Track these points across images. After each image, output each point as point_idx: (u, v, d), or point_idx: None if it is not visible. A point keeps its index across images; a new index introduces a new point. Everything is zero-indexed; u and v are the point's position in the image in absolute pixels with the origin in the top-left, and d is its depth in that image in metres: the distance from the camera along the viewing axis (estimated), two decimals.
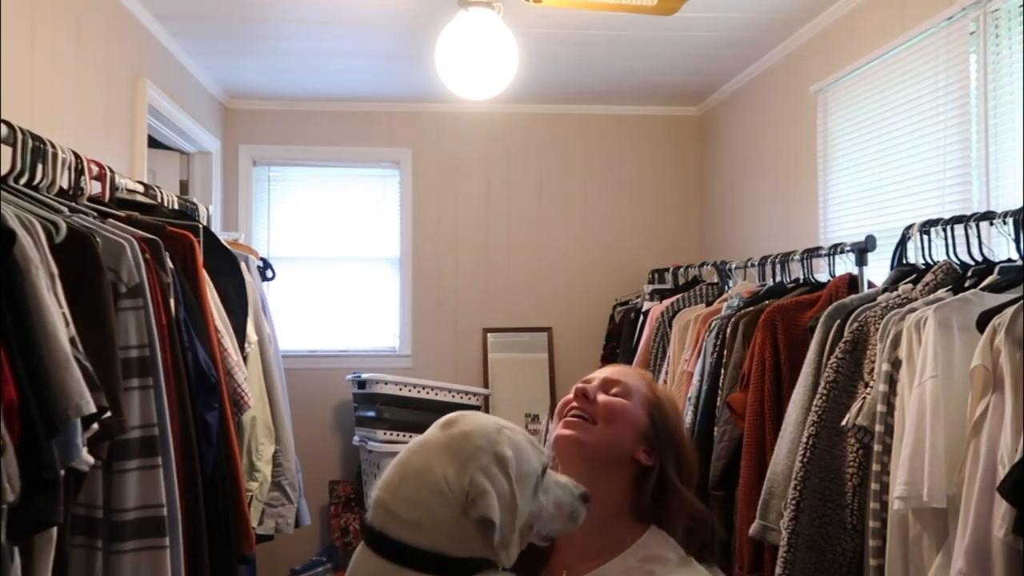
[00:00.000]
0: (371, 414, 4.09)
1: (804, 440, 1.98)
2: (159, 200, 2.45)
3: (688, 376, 2.96)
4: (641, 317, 3.82)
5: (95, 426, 1.38)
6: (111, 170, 2.14)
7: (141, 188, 2.37)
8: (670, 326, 3.36)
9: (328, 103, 4.62)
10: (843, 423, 1.91)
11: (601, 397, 1.40)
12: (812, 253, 2.80)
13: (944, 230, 2.10)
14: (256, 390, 2.64)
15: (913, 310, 1.82)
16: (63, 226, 1.53)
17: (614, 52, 3.80)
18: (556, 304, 4.76)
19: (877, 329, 1.93)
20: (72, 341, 1.39)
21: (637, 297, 4.22)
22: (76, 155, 1.94)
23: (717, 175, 4.63)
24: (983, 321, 1.58)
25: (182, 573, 1.71)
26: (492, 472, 1.13)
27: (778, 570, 1.95)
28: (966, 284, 1.92)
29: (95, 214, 1.81)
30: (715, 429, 2.64)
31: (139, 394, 1.64)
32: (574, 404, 1.41)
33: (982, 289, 1.81)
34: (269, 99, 4.56)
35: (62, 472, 1.30)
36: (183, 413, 1.82)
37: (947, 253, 2.07)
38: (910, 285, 2.06)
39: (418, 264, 4.71)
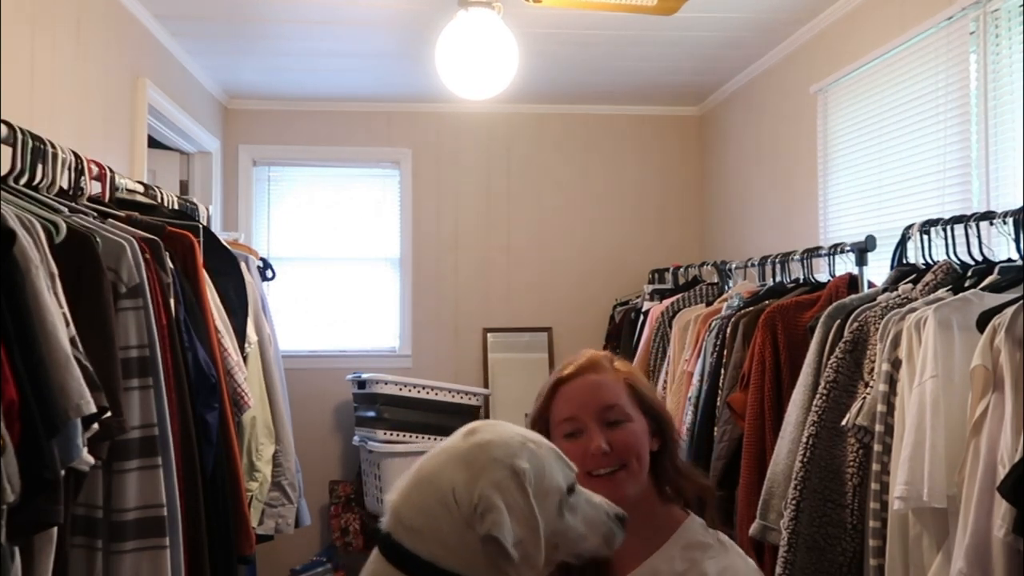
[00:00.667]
0: (371, 414, 4.09)
1: (804, 440, 1.98)
2: (159, 200, 2.45)
3: (688, 376, 2.96)
4: (641, 317, 3.82)
5: (95, 426, 1.38)
6: (111, 170, 2.14)
7: (141, 188, 2.37)
8: (670, 326, 3.36)
9: (328, 103, 4.62)
10: (843, 423, 1.92)
11: (616, 437, 1.36)
12: (812, 253, 2.80)
13: (944, 230, 2.10)
14: (256, 390, 2.64)
15: (913, 310, 1.82)
16: (63, 226, 1.53)
17: (614, 52, 3.80)
18: (556, 304, 4.76)
19: (877, 329, 1.93)
20: (72, 341, 1.39)
21: (637, 297, 4.22)
22: (76, 155, 1.94)
23: (717, 175, 4.63)
24: (983, 321, 1.58)
25: (182, 573, 1.71)
26: (505, 486, 1.07)
27: (778, 570, 1.95)
28: (966, 284, 1.92)
29: (95, 214, 1.81)
30: (715, 429, 2.64)
31: (139, 394, 1.64)
32: (601, 462, 1.36)
33: (982, 289, 1.81)
34: (269, 99, 4.56)
35: (62, 472, 1.30)
36: (183, 413, 1.82)
37: (947, 253, 2.07)
38: (910, 285, 2.06)
39: (418, 264, 4.71)
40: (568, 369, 1.44)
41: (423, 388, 4.14)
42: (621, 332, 4.16)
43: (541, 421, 1.43)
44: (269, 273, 3.40)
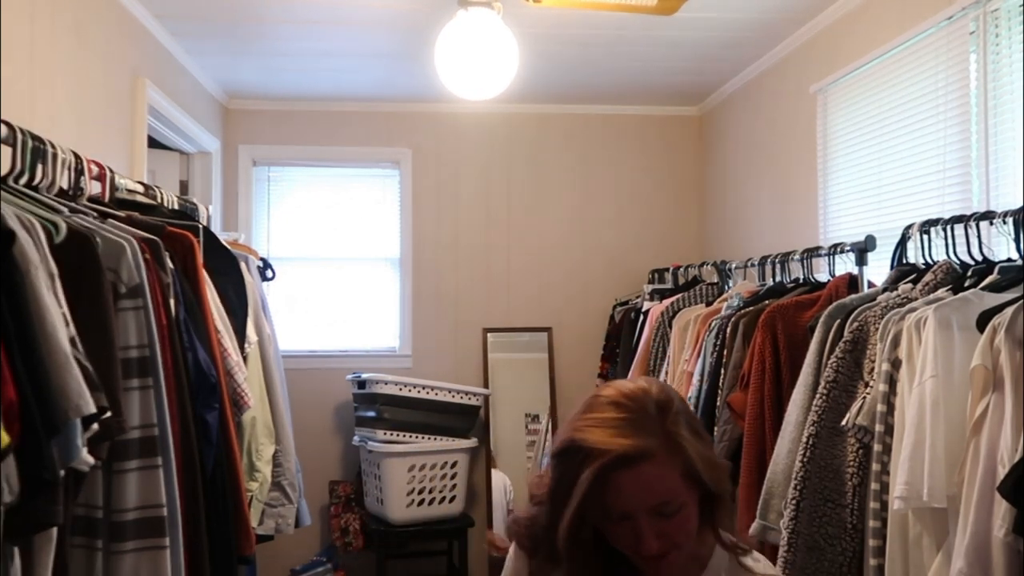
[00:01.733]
0: (371, 414, 4.09)
1: (804, 440, 1.98)
2: (159, 200, 2.45)
3: (688, 376, 2.97)
4: (641, 317, 3.82)
5: (95, 426, 1.38)
6: (111, 170, 2.14)
7: (141, 188, 2.37)
8: (670, 326, 3.36)
9: (328, 103, 4.62)
10: (843, 423, 1.92)
11: (670, 527, 1.24)
12: (812, 253, 2.80)
13: (944, 230, 2.10)
14: (256, 390, 2.63)
15: (913, 310, 1.83)
16: (63, 226, 1.53)
17: (614, 52, 3.80)
18: (556, 304, 4.76)
19: (877, 329, 1.93)
20: (72, 341, 1.39)
21: (637, 297, 4.22)
22: (76, 155, 1.94)
23: (717, 175, 4.63)
24: (983, 321, 1.58)
25: (182, 573, 1.71)
26: None
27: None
28: (966, 284, 1.92)
29: (95, 214, 1.81)
30: (715, 429, 2.64)
31: (139, 394, 1.64)
32: (654, 553, 1.26)
33: (982, 289, 1.81)
34: (269, 99, 4.56)
35: (62, 472, 1.30)
36: (183, 413, 1.82)
37: (947, 253, 2.07)
38: (910, 285, 2.06)
39: (418, 264, 4.71)
40: (619, 446, 1.20)
41: (423, 388, 4.14)
42: (621, 332, 4.16)
43: (596, 507, 1.23)
44: (269, 273, 3.40)
